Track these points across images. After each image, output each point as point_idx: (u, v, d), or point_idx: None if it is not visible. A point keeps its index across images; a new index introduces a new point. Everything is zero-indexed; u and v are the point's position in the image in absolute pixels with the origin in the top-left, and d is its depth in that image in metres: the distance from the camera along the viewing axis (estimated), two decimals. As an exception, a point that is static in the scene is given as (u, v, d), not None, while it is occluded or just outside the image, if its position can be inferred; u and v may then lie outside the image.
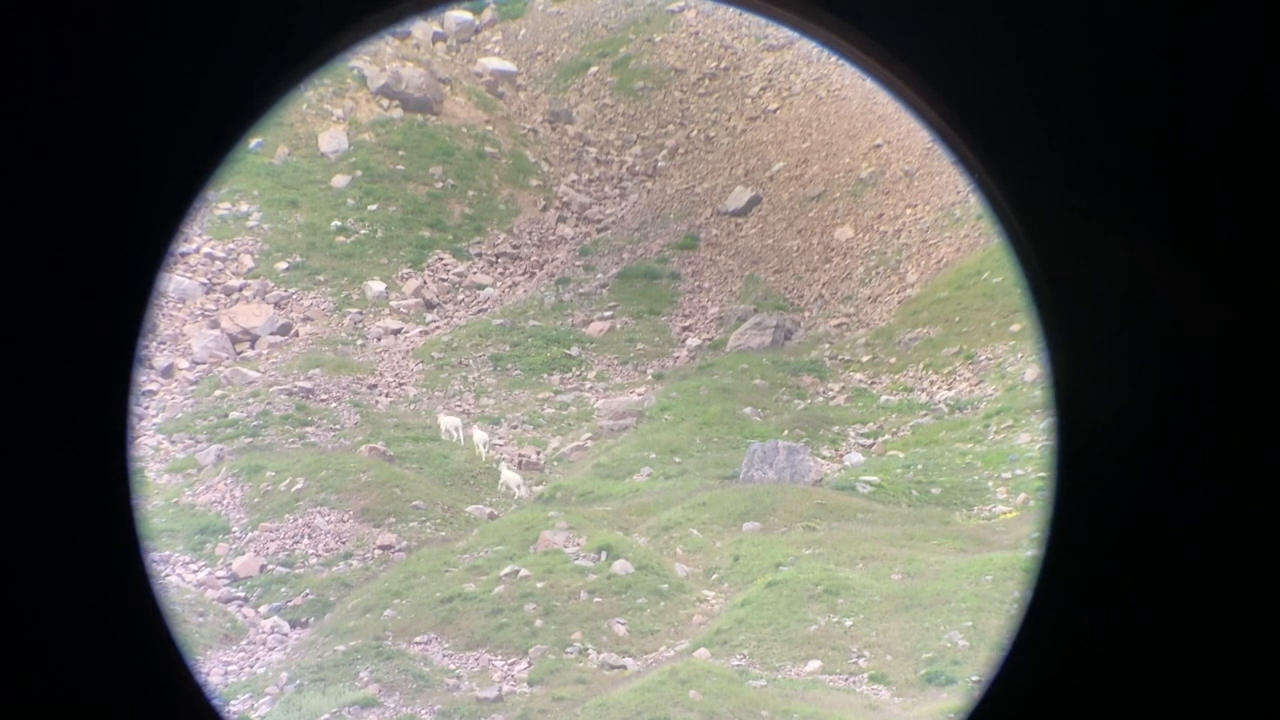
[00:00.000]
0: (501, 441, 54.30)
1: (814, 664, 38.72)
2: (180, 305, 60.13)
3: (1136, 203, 4.37)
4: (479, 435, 53.27)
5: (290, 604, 44.13)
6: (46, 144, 4.28)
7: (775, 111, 70.89)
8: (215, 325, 59.87)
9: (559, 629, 40.77)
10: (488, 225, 67.14)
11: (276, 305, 61.51)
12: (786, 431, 52.34)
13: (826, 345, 59.24)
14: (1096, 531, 4.40)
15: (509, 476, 50.89)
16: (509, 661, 40.01)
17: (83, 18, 4.27)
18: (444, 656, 40.32)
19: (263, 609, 44.12)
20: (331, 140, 67.94)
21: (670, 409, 54.58)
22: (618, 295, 63.26)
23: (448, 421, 53.77)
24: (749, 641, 39.55)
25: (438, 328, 61.85)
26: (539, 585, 42.07)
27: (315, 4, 4.35)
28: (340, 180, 66.95)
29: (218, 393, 55.76)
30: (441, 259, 65.25)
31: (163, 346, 57.81)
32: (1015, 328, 55.02)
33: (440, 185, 67.90)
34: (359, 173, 67.39)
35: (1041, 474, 46.25)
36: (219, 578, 45.43)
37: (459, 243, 66.09)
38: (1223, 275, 4.35)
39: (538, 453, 53.79)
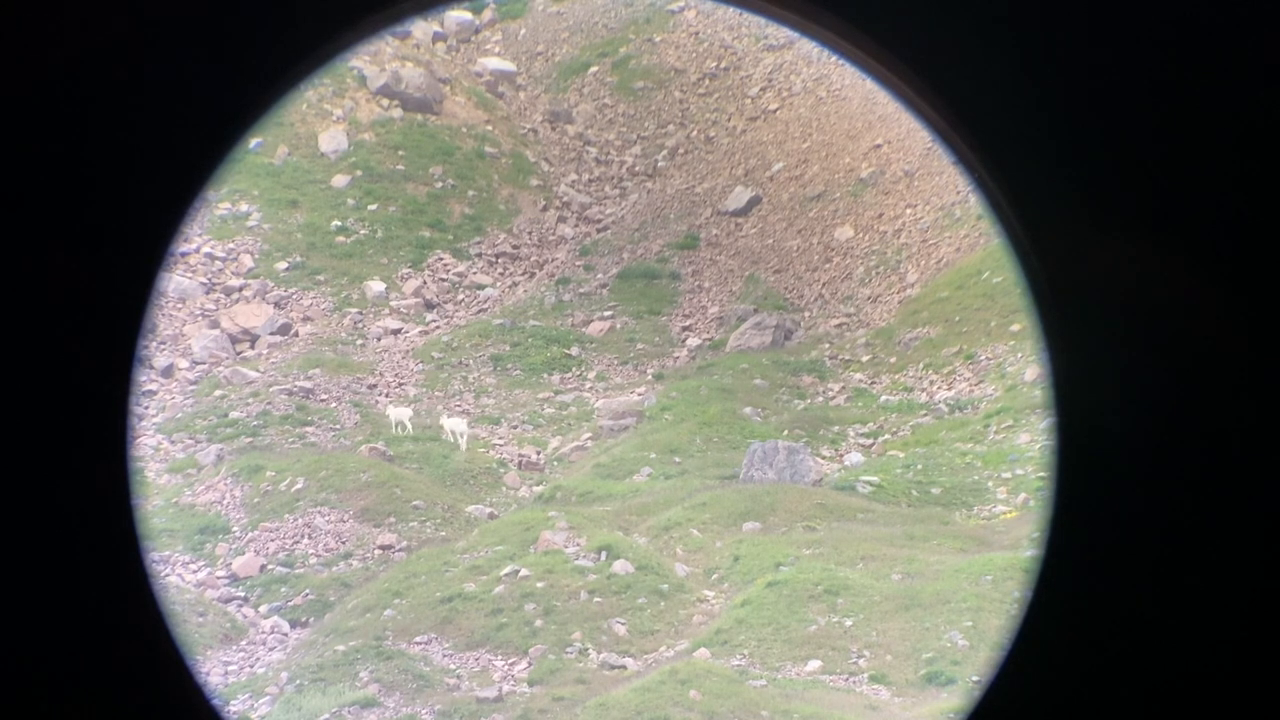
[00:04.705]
0: (501, 441, 54.32)
1: (814, 664, 38.72)
2: (180, 305, 60.13)
3: (1137, 202, 4.37)
4: (452, 424, 53.54)
5: (290, 604, 44.13)
6: (46, 144, 4.28)
7: (775, 111, 70.90)
8: (215, 325, 59.88)
9: (559, 629, 40.77)
10: (488, 225, 67.16)
11: (276, 305, 61.52)
12: (786, 431, 52.34)
13: (826, 345, 59.25)
14: (1096, 531, 4.41)
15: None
16: (509, 661, 40.01)
17: (82, 17, 4.27)
18: (444, 656, 40.33)
19: (263, 609, 44.12)
20: (331, 140, 67.96)
21: (670, 409, 54.59)
22: (618, 295, 63.28)
23: (398, 413, 53.96)
24: (749, 641, 39.55)
25: (438, 328, 61.86)
26: (539, 585, 42.08)
27: (315, 4, 4.35)
28: (340, 180, 66.97)
29: (218, 393, 55.76)
30: (441, 259, 65.26)
31: (163, 346, 57.82)
32: (1015, 328, 55.04)
33: (440, 185, 67.92)
34: (359, 173, 67.41)
35: (1041, 474, 46.25)
36: (219, 578, 45.43)
37: (459, 243, 66.11)
38: (1223, 275, 4.35)
39: (538, 453, 53.80)
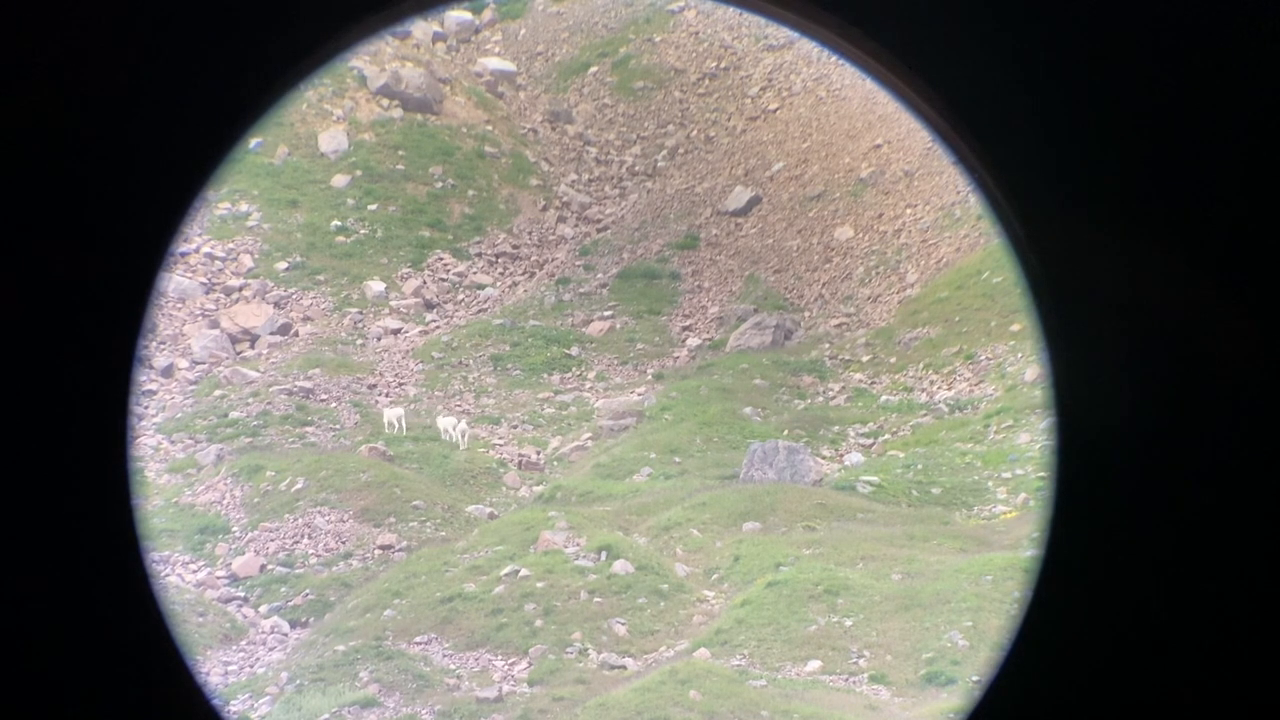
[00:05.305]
0: (501, 441, 54.33)
1: (814, 664, 38.72)
2: (180, 305, 60.13)
3: (1136, 203, 4.37)
4: (446, 423, 53.69)
5: (290, 604, 44.13)
6: (46, 144, 4.28)
7: (775, 111, 70.90)
8: (215, 325, 59.88)
9: (559, 629, 40.76)
10: (488, 225, 67.16)
11: (276, 305, 61.52)
12: (786, 431, 52.34)
13: (826, 345, 59.24)
14: (1096, 531, 4.41)
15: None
16: (509, 661, 40.01)
17: (83, 18, 4.27)
18: (444, 656, 40.32)
19: (263, 609, 44.12)
20: (331, 140, 67.95)
21: (670, 409, 54.58)
22: (618, 295, 63.28)
23: (391, 413, 54.05)
24: (749, 641, 39.55)
25: (438, 328, 61.86)
26: (539, 585, 42.07)
27: (315, 4, 4.35)
28: (340, 180, 66.96)
29: (218, 393, 55.77)
30: (441, 259, 65.26)
31: (163, 346, 57.82)
32: (1015, 328, 55.03)
33: (440, 185, 67.91)
34: (359, 173, 67.40)
35: (1041, 474, 46.25)
36: (219, 578, 45.42)
37: (459, 243, 66.11)
38: (1222, 274, 4.35)
39: (538, 453, 53.79)
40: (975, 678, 36.74)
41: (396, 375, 58.23)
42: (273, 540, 46.75)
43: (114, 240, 4.30)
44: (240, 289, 61.67)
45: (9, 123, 4.26)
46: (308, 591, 44.38)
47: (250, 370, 57.30)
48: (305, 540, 46.67)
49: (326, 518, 47.36)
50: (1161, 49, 4.33)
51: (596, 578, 42.37)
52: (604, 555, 43.19)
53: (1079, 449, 4.40)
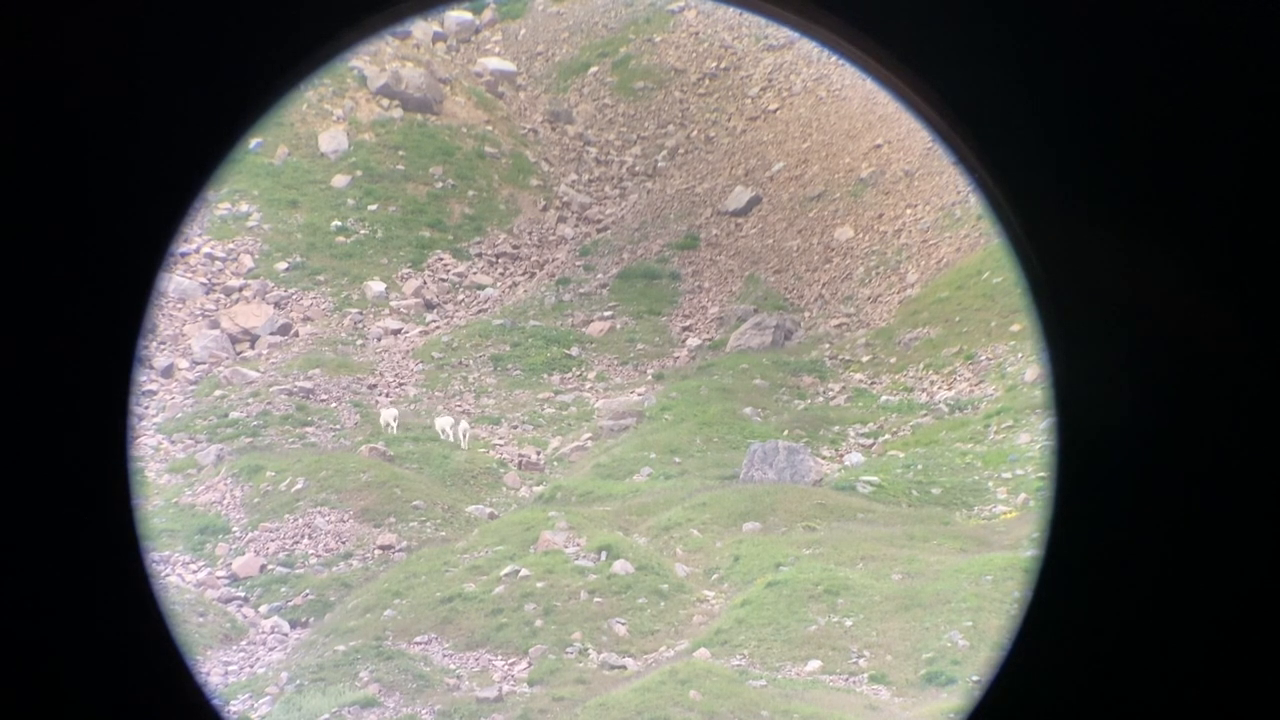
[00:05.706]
0: (501, 441, 54.32)
1: (814, 664, 38.71)
2: (180, 305, 60.13)
3: (1136, 202, 4.37)
4: (442, 422, 53.73)
5: (290, 604, 44.13)
6: (46, 143, 4.28)
7: (775, 111, 70.90)
8: (215, 325, 59.87)
9: (559, 629, 40.76)
10: (488, 225, 67.15)
11: (276, 305, 61.51)
12: (786, 431, 52.33)
13: (826, 345, 59.24)
14: (1096, 531, 4.40)
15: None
16: (509, 661, 40.01)
17: (83, 17, 4.27)
18: (444, 656, 40.32)
19: (263, 609, 44.12)
20: (331, 140, 67.95)
21: (670, 409, 54.58)
22: (618, 295, 63.27)
23: (386, 414, 54.09)
24: (749, 641, 39.54)
25: (438, 328, 61.86)
26: (539, 585, 42.07)
27: (315, 4, 4.35)
28: (340, 180, 66.96)
29: (218, 393, 55.76)
30: (441, 259, 65.26)
31: (163, 346, 57.81)
32: (1015, 328, 55.03)
33: (440, 185, 67.91)
34: (359, 173, 67.39)
35: (1041, 474, 46.25)
36: (219, 578, 45.42)
37: (459, 243, 66.11)
38: (1222, 275, 4.35)
39: (538, 453, 53.79)
40: (975, 678, 36.74)
41: (396, 375, 58.23)
42: (273, 540, 46.75)
43: (114, 240, 4.30)
44: (240, 289, 61.67)
45: (9, 123, 4.26)
46: (308, 591, 44.38)
47: (250, 370, 57.30)
48: (305, 540, 46.67)
49: (326, 518, 47.36)
50: (1161, 49, 4.33)
51: (596, 578, 42.37)
52: (604, 555, 43.19)
53: (1079, 449, 4.40)
